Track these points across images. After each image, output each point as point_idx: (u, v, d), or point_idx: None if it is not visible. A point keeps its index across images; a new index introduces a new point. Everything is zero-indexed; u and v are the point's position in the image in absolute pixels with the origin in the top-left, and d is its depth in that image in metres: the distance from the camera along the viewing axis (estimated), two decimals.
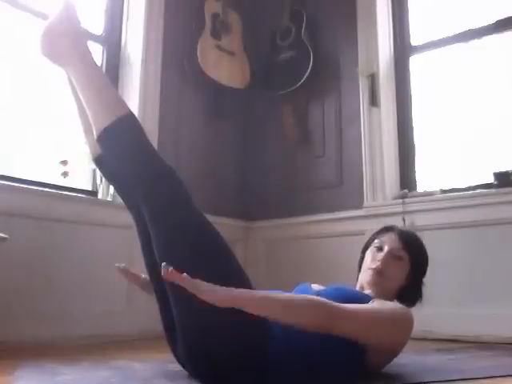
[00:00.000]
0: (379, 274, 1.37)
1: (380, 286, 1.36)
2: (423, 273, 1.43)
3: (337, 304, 1.13)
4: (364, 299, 1.27)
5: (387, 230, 1.46)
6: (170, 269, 1.03)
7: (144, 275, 1.41)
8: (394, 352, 1.26)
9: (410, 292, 1.40)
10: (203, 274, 1.15)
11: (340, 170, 2.80)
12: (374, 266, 1.38)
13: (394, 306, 1.25)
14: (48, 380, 1.21)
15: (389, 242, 1.41)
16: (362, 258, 1.47)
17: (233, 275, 1.18)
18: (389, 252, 1.39)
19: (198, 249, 1.17)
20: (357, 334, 1.15)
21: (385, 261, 1.38)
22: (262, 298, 1.10)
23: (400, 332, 1.22)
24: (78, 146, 2.40)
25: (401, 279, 1.39)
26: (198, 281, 1.05)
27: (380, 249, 1.41)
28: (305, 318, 1.10)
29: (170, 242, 1.19)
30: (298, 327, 1.11)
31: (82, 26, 1.42)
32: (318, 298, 1.14)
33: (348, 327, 1.13)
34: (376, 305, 1.24)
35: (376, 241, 1.44)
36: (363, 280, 1.41)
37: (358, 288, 1.43)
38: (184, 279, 1.04)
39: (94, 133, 1.28)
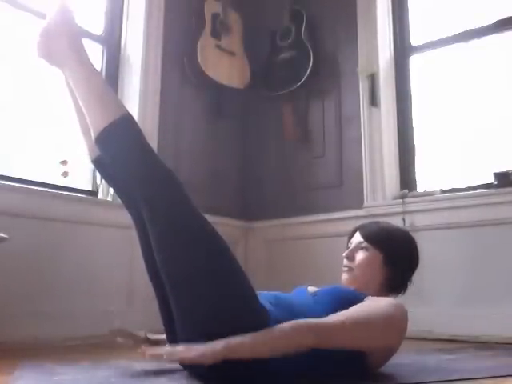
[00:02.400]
0: (347, 268, 1.40)
1: (356, 281, 1.37)
2: (402, 261, 1.39)
3: (325, 320, 1.13)
4: (358, 297, 1.27)
5: (355, 230, 1.47)
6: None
7: (142, 334, 1.43)
8: (392, 350, 1.26)
9: (395, 282, 1.38)
10: (203, 275, 1.15)
11: (340, 170, 2.80)
12: (343, 264, 1.41)
13: (386, 302, 1.23)
14: (47, 380, 1.21)
15: (354, 240, 1.44)
16: None
17: (233, 276, 1.18)
18: (351, 247, 1.42)
19: (198, 250, 1.17)
20: (352, 344, 1.15)
21: (347, 255, 1.41)
22: (246, 344, 1.07)
23: (395, 331, 1.22)
24: (78, 146, 2.40)
25: (374, 269, 1.37)
26: (176, 348, 1.08)
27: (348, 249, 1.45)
28: (295, 344, 1.09)
29: (170, 243, 1.19)
30: (294, 352, 1.10)
31: (78, 26, 1.41)
32: (302, 320, 1.13)
33: (340, 340, 1.13)
34: (368, 303, 1.23)
35: (348, 244, 1.46)
36: (342, 281, 1.41)
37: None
38: (167, 354, 1.08)
39: (92, 134, 1.28)
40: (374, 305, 1.22)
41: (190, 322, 1.16)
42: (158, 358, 1.10)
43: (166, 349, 1.10)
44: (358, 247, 1.40)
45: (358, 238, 1.43)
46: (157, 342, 1.44)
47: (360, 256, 1.39)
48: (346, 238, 1.50)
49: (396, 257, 1.38)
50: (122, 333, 1.47)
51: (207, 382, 1.16)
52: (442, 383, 1.19)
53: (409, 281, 1.41)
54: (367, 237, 1.40)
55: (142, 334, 1.47)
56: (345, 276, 1.40)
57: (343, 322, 1.13)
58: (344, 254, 1.42)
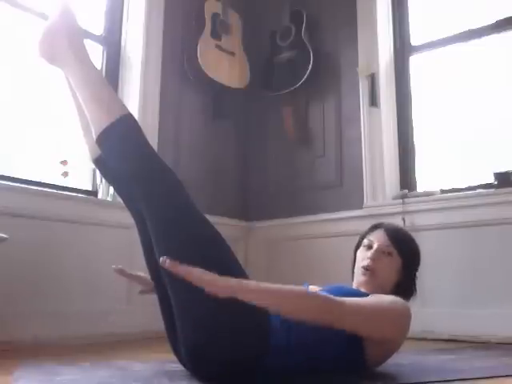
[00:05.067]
0: (370, 271, 1.38)
1: (373, 285, 1.37)
2: (415, 267, 1.43)
3: (337, 298, 1.14)
4: (362, 296, 1.27)
5: (375, 227, 1.47)
6: (168, 261, 1.04)
7: (143, 274, 1.42)
8: (394, 346, 1.26)
9: (405, 287, 1.40)
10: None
11: (340, 170, 2.80)
12: (364, 264, 1.39)
13: (391, 298, 1.26)
14: (48, 380, 1.21)
15: (377, 239, 1.42)
16: (354, 259, 1.48)
17: (232, 274, 1.18)
18: (377, 249, 1.40)
19: (198, 248, 1.18)
20: (357, 327, 1.16)
21: (374, 258, 1.39)
22: (264, 289, 1.09)
23: (399, 323, 1.23)
24: (77, 145, 2.40)
25: (392, 275, 1.39)
26: (198, 269, 1.04)
27: (369, 247, 1.42)
28: (306, 311, 1.09)
29: (169, 241, 1.19)
30: (298, 319, 1.11)
31: (79, 27, 1.42)
32: (319, 292, 1.15)
33: (348, 320, 1.13)
34: (374, 298, 1.24)
35: (365, 240, 1.45)
36: (357, 280, 1.41)
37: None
38: (183, 269, 1.04)
39: (93, 134, 1.29)
40: (380, 298, 1.24)
41: (191, 321, 1.16)
42: (175, 267, 1.08)
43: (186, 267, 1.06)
44: (385, 251, 1.39)
45: (383, 239, 1.41)
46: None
47: (387, 261, 1.39)
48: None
49: (412, 263, 1.42)
50: (124, 272, 1.46)
51: (208, 382, 1.16)
52: (442, 383, 1.19)
53: (414, 287, 1.43)
54: (395, 240, 1.40)
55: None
56: (364, 278, 1.38)
57: (352, 304, 1.15)
58: (370, 255, 1.39)
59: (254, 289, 1.08)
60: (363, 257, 1.42)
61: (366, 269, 1.38)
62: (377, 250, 1.40)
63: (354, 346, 1.18)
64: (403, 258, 1.40)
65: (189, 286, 1.14)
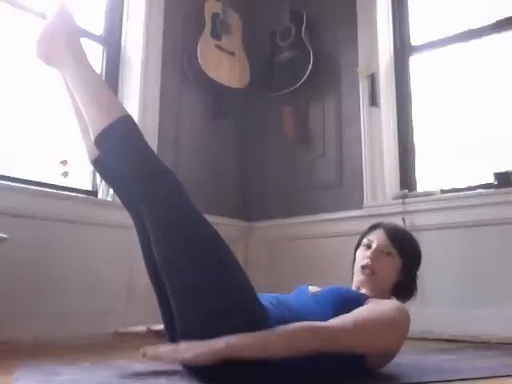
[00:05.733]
0: (370, 271, 1.37)
1: (373, 284, 1.36)
2: (416, 267, 1.43)
3: (328, 324, 1.12)
4: (360, 298, 1.27)
5: (375, 227, 1.46)
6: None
7: (159, 328, 1.43)
8: (393, 352, 1.26)
9: (405, 287, 1.40)
10: (202, 274, 1.15)
11: (340, 170, 2.80)
12: (363, 263, 1.38)
13: (389, 305, 1.24)
14: (48, 380, 1.21)
15: (376, 239, 1.41)
16: (354, 258, 1.47)
17: (232, 275, 1.18)
18: (376, 248, 1.39)
19: (197, 249, 1.17)
20: (354, 349, 1.15)
21: (373, 257, 1.38)
22: (248, 343, 1.06)
23: (399, 332, 1.22)
24: (77, 146, 2.40)
25: (393, 275, 1.38)
26: (176, 348, 1.07)
27: (369, 247, 1.41)
28: (296, 347, 1.07)
29: (168, 243, 1.19)
30: (296, 355, 1.08)
31: (77, 27, 1.42)
32: (306, 323, 1.12)
33: (344, 344, 1.12)
34: (371, 307, 1.23)
35: (365, 239, 1.44)
36: (356, 280, 1.41)
37: (354, 289, 1.43)
38: (167, 355, 1.08)
39: (91, 135, 1.28)
40: (378, 308, 1.22)
41: (190, 322, 1.16)
42: (158, 358, 1.10)
43: (166, 349, 1.09)
44: (384, 251, 1.38)
45: (382, 238, 1.40)
46: (158, 333, 1.45)
47: (387, 261, 1.38)
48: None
49: (413, 263, 1.41)
50: (121, 335, 1.47)
51: (207, 382, 1.16)
52: (442, 383, 1.19)
53: (414, 287, 1.42)
54: (394, 240, 1.39)
55: (142, 328, 1.48)
56: (364, 277, 1.38)
57: (347, 327, 1.13)
58: (369, 255, 1.38)
59: (240, 347, 1.04)
60: (362, 256, 1.41)
61: (365, 268, 1.38)
62: (376, 250, 1.39)
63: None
64: (403, 258, 1.39)
65: (188, 287, 1.15)
